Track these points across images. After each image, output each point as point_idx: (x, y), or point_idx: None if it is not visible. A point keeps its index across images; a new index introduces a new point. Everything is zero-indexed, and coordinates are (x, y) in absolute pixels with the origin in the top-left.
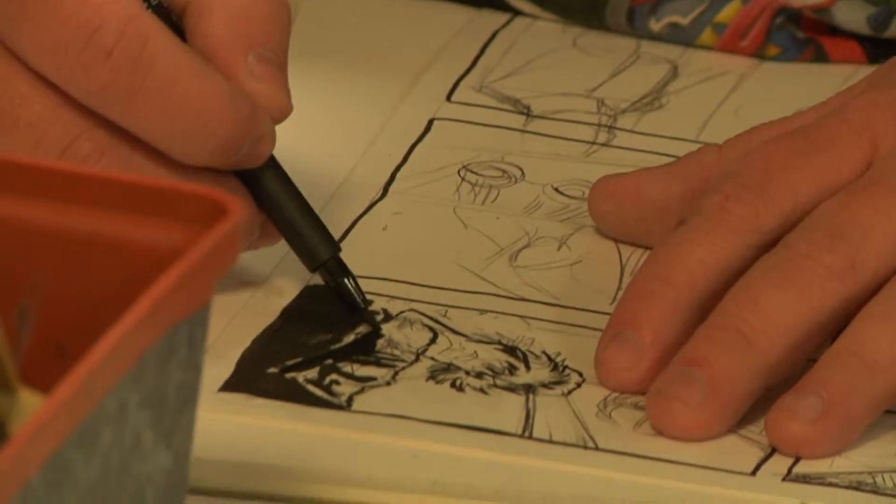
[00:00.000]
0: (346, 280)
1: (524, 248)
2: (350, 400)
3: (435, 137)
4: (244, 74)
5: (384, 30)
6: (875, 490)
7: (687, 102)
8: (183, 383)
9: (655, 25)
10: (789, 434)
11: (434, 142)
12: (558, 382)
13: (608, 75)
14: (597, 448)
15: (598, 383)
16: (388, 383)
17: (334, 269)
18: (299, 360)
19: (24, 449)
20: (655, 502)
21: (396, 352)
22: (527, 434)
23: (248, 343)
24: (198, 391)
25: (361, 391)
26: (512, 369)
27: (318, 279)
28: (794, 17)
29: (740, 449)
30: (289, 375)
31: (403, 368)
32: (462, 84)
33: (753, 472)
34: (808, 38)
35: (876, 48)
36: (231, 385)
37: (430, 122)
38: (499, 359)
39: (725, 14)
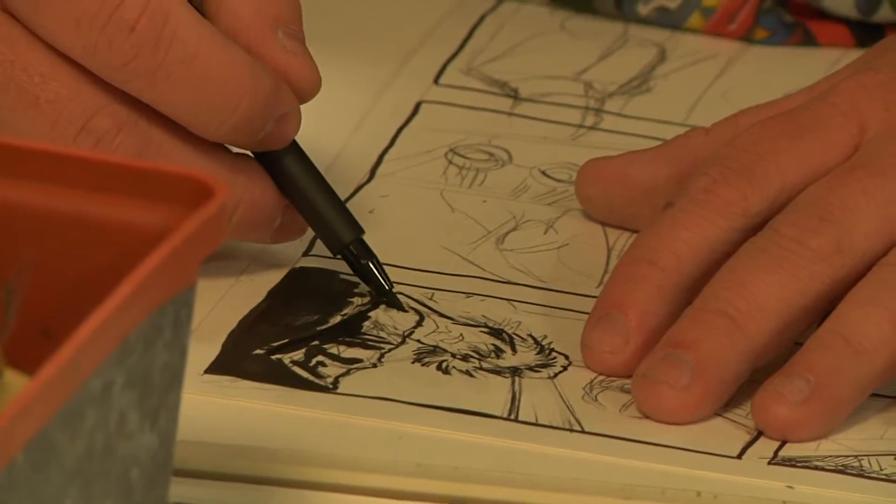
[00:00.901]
0: (370, 262)
1: (511, 231)
2: (336, 382)
3: (422, 120)
4: (276, 49)
5: (372, 12)
6: (861, 473)
7: (675, 86)
8: (168, 364)
9: (643, 9)
10: (775, 417)
11: (421, 125)
12: (544, 365)
13: (596, 59)
14: (582, 431)
15: (584, 366)
16: (374, 365)
17: (359, 251)
18: (285, 341)
19: (9, 428)
20: (641, 485)
21: (383, 334)
22: (512, 417)
23: (233, 325)
24: (183, 372)
25: (347, 373)
26: (498, 352)
27: (305, 261)
28: (782, 0)
29: (726, 432)
30: (275, 357)
31: (389, 351)
32: (450, 67)
33: (739, 456)
34: (795, 21)
35: (864, 32)
36: (217, 367)
37: (418, 105)
38: (485, 341)
39: None
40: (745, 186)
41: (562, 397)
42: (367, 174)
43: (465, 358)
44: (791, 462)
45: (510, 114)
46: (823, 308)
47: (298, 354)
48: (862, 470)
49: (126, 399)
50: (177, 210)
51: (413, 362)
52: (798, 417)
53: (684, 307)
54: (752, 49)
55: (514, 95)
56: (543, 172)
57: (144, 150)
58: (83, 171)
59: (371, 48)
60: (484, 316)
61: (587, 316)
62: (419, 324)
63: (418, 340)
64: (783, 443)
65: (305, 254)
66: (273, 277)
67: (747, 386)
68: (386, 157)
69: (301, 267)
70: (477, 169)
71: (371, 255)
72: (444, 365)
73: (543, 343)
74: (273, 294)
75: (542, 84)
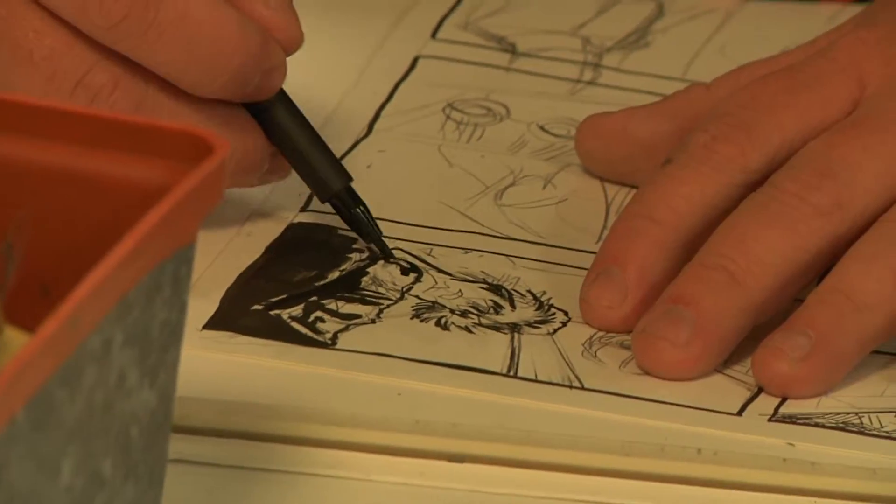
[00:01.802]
0: (359, 209)
1: (509, 186)
2: (335, 338)
3: (420, 75)
4: (258, 4)
5: None
6: (861, 430)
7: (673, 41)
8: (167, 321)
9: None
10: (776, 373)
11: (419, 80)
12: (544, 321)
13: (594, 13)
14: (582, 387)
15: (583, 322)
16: (373, 321)
17: (347, 199)
18: (284, 296)
19: (9, 386)
20: (640, 442)
21: (381, 290)
22: (512, 373)
23: (231, 280)
24: (182, 329)
25: (346, 329)
26: (497, 308)
27: (302, 217)
28: None
29: (726, 389)
30: (273, 313)
31: (388, 307)
32: (447, 22)
33: (739, 413)
34: None
35: None
36: (215, 323)
37: (415, 60)
38: (484, 297)
39: None
40: (745, 142)
41: (561, 353)
42: (365, 129)
43: (463, 314)
44: (791, 419)
45: (508, 69)
46: (824, 264)
47: (297, 310)
48: (862, 427)
49: (125, 356)
50: (175, 166)
51: (412, 318)
52: (799, 374)
53: (684, 263)
54: (750, 4)
55: (512, 50)
56: (541, 127)
57: (140, 104)
58: (81, 127)
59: (368, 3)
60: (483, 272)
61: (586, 272)
62: (418, 280)
63: (417, 296)
64: (783, 399)
65: (303, 209)
66: (271, 232)
67: (747, 342)
68: (383, 112)
69: (299, 222)
70: (475, 124)
71: (360, 203)
72: (442, 321)
73: (542, 299)
74: (271, 249)
75: (539, 39)
